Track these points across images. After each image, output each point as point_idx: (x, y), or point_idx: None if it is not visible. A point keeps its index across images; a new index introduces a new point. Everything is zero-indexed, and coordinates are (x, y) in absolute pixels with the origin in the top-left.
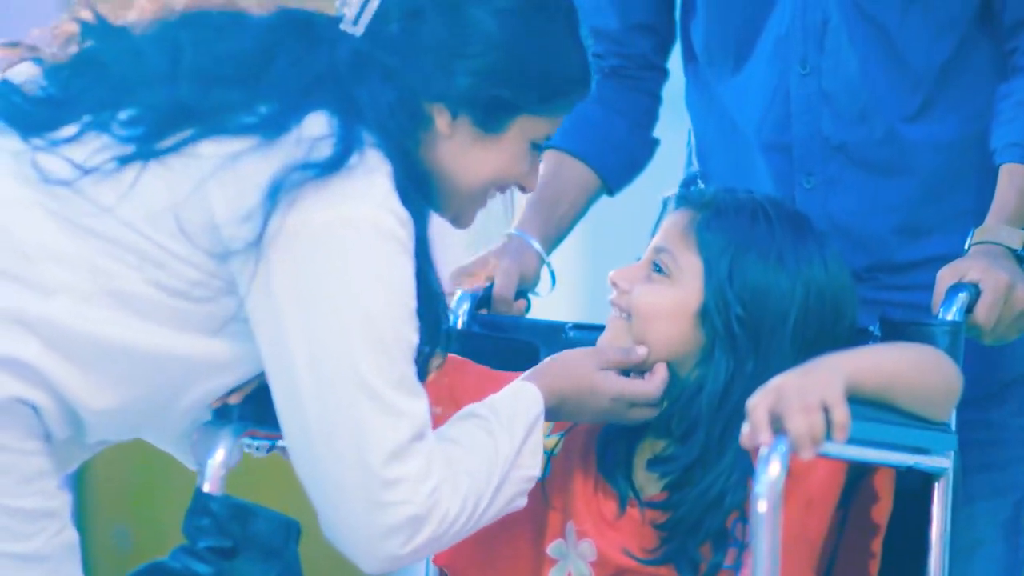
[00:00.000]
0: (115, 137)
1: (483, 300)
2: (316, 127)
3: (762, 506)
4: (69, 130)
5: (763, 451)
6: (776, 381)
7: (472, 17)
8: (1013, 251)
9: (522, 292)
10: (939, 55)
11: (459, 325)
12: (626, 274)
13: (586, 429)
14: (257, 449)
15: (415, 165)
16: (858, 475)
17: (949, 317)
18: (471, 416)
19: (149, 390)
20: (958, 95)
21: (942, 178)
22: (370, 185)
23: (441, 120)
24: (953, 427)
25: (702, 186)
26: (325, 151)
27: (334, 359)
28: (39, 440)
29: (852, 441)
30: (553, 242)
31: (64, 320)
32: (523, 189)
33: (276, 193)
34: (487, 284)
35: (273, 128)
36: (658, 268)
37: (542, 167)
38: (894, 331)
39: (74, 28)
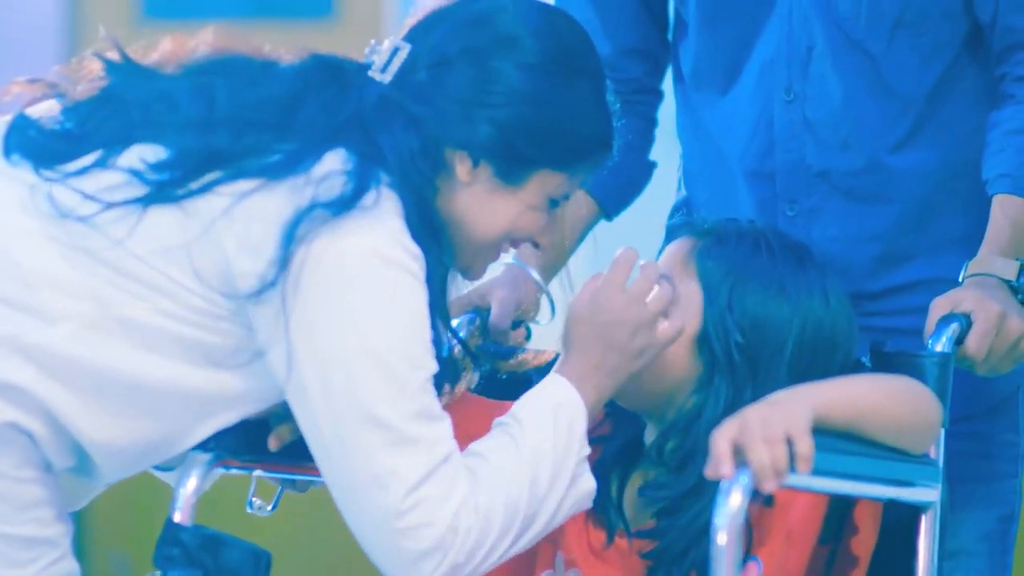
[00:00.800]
0: (140, 177)
1: (480, 330)
2: (331, 163)
3: (721, 538)
4: (82, 163)
5: (724, 483)
6: (741, 412)
7: (497, 69)
8: (1008, 282)
9: (521, 321)
10: (926, 81)
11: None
12: None
13: None
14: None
15: (432, 213)
16: (844, 509)
17: (938, 348)
18: (495, 426)
19: (154, 424)
20: (945, 121)
21: (926, 206)
22: (381, 220)
23: (462, 168)
24: (938, 458)
25: (689, 213)
26: (338, 188)
27: (344, 394)
28: (36, 469)
29: (822, 473)
30: (552, 270)
31: (65, 348)
32: (536, 245)
33: (293, 230)
34: (482, 306)
35: (288, 166)
36: None
37: None
38: (885, 362)
39: (97, 66)
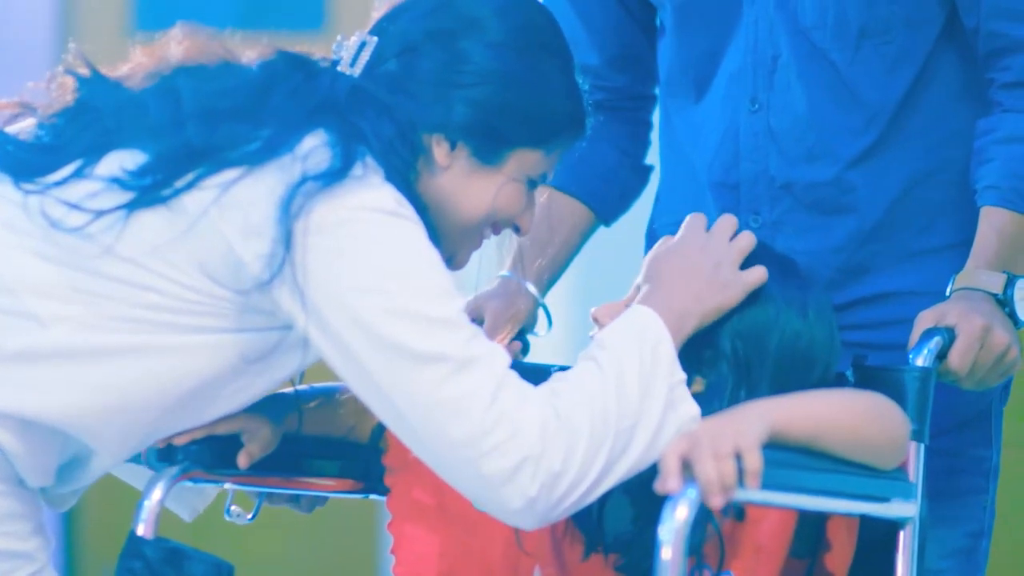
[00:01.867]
0: (123, 184)
1: None
2: (313, 141)
3: (666, 553)
4: (61, 174)
5: (671, 497)
6: (692, 427)
7: (466, 50)
8: (994, 295)
9: (518, 333)
10: (894, 90)
11: None
12: (606, 310)
13: None
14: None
15: (416, 198)
16: (818, 524)
17: (920, 362)
18: (580, 357)
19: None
20: (913, 130)
21: (889, 217)
22: (374, 184)
23: (439, 150)
24: (917, 473)
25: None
26: (325, 160)
27: (390, 347)
28: (6, 483)
29: (777, 488)
30: (548, 281)
31: (63, 344)
32: (517, 230)
33: (288, 206)
34: (475, 318)
35: (270, 150)
36: None
37: None
38: (866, 376)
39: (69, 81)
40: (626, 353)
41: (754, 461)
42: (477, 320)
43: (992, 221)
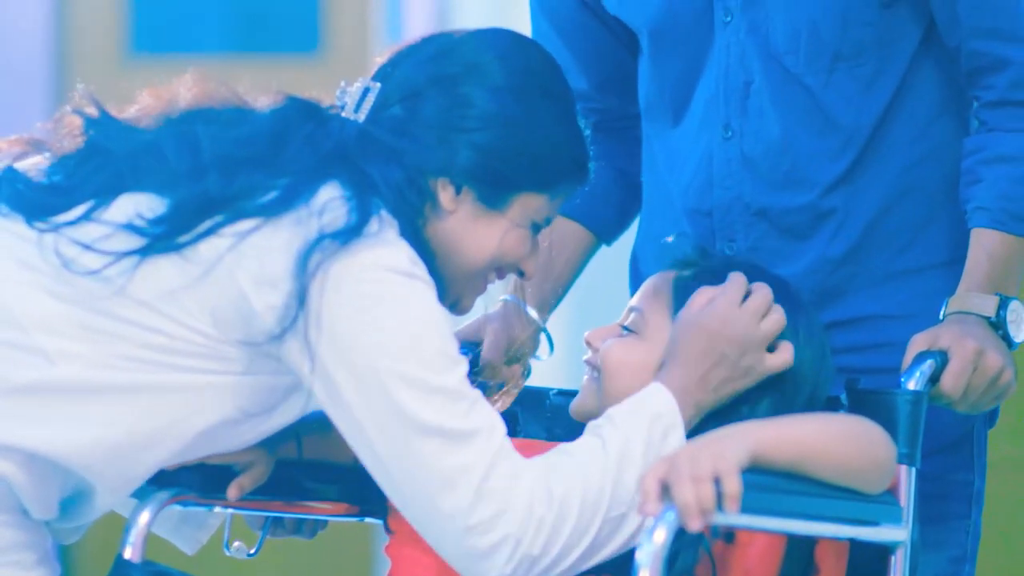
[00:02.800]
0: (139, 231)
1: (472, 366)
2: (328, 194)
3: None
4: (74, 214)
5: (649, 521)
6: (672, 450)
7: (468, 94)
8: (987, 318)
9: (519, 358)
10: (871, 112)
11: None
12: (598, 333)
13: None
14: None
15: (424, 243)
16: (807, 548)
17: (911, 386)
18: (588, 429)
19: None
20: (892, 150)
21: (867, 239)
22: (390, 241)
23: (445, 194)
24: (909, 497)
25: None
26: (342, 217)
27: (391, 412)
28: (11, 512)
29: (758, 512)
30: (549, 305)
31: (70, 382)
32: (522, 274)
33: (306, 261)
34: (475, 340)
35: (287, 201)
36: (626, 327)
37: None
38: (859, 399)
39: (77, 121)
40: (634, 437)
41: (733, 484)
42: (477, 342)
43: (983, 243)
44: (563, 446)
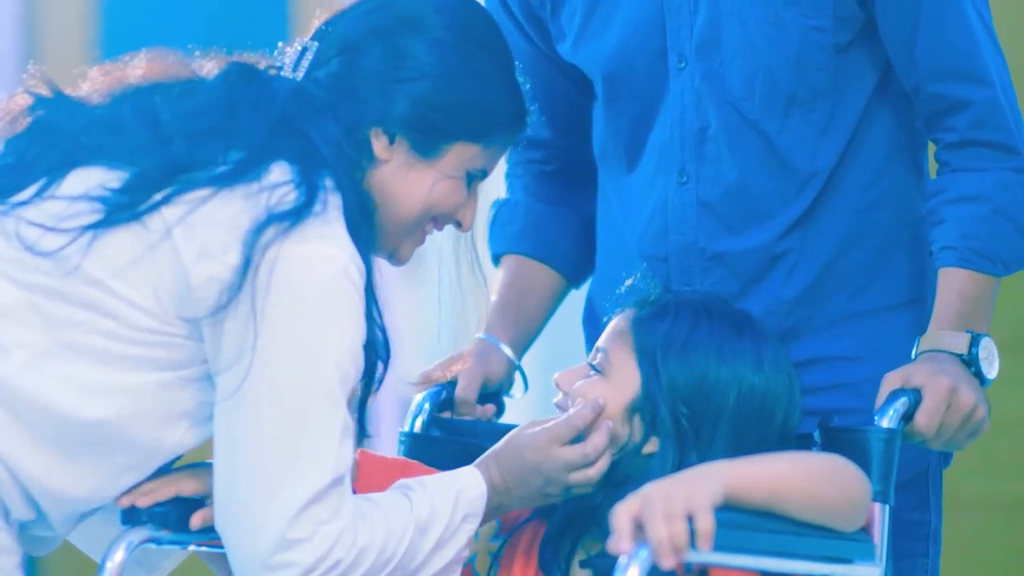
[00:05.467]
0: (104, 201)
1: (446, 403)
2: (278, 175)
3: None
4: (28, 193)
5: (622, 559)
6: (645, 488)
7: (406, 46)
8: (959, 356)
9: (494, 395)
10: (827, 156)
11: (417, 428)
12: (568, 376)
13: (531, 530)
14: None
15: (365, 198)
16: None
17: (885, 423)
18: (398, 485)
19: (101, 464)
20: (848, 193)
21: (822, 281)
22: (334, 228)
23: (378, 144)
24: (882, 534)
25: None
26: (290, 198)
27: (289, 394)
28: None
29: (731, 550)
30: (523, 344)
31: (17, 380)
32: (459, 225)
33: (255, 239)
34: (447, 379)
35: (238, 175)
36: (593, 367)
37: (502, 273)
38: (832, 437)
39: (27, 101)
40: (439, 511)
41: (706, 522)
42: (452, 380)
43: (951, 282)
44: (374, 496)
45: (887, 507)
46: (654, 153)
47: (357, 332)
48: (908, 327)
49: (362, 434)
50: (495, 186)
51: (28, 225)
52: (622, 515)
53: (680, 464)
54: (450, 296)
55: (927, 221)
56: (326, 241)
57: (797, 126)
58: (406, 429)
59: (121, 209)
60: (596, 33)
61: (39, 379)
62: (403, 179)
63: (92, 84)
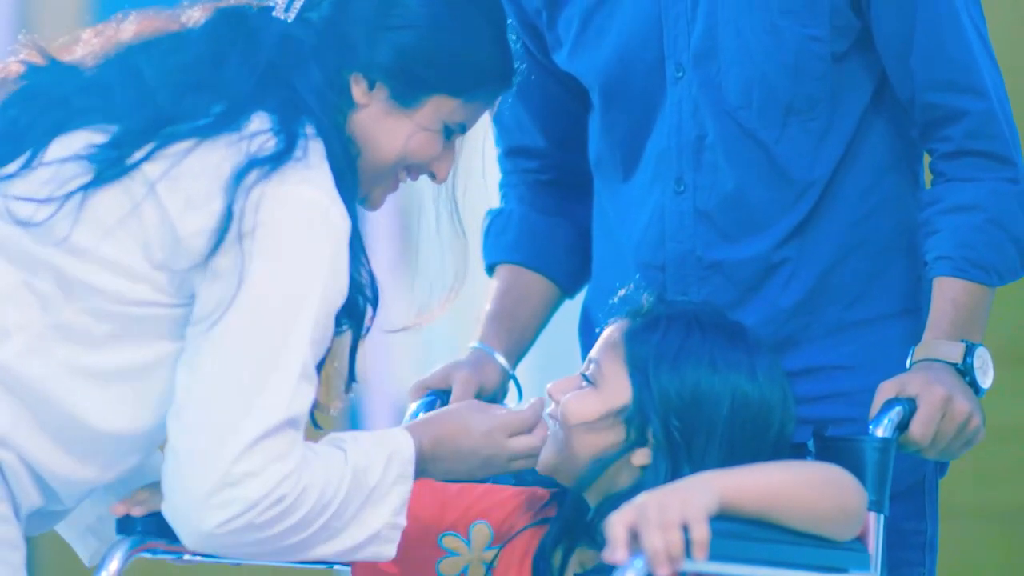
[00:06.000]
0: (91, 159)
1: None
2: (258, 124)
3: None
4: (14, 166)
5: (618, 568)
6: (640, 498)
7: None
8: (954, 365)
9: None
10: (824, 165)
11: None
12: (559, 386)
13: (525, 541)
14: None
15: (347, 143)
16: None
17: (880, 433)
18: (330, 439)
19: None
20: (844, 202)
21: (820, 290)
22: (319, 175)
23: (358, 89)
24: (877, 543)
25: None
26: (271, 145)
27: (255, 331)
28: (8, 506)
29: (726, 559)
30: (517, 353)
31: (17, 365)
32: (434, 177)
33: (237, 183)
34: (444, 388)
35: (220, 126)
36: (586, 378)
37: (496, 282)
38: (826, 446)
39: (19, 69)
40: (373, 467)
41: (701, 532)
42: (445, 390)
43: (946, 292)
44: (310, 444)
45: (882, 516)
46: (651, 162)
47: (334, 279)
48: (904, 337)
49: (351, 379)
50: (489, 195)
51: (16, 200)
52: (617, 525)
53: (673, 477)
54: (429, 245)
55: (921, 231)
56: (307, 184)
57: (794, 135)
58: None
59: (109, 165)
60: (593, 42)
61: (39, 367)
62: (379, 126)
63: (85, 47)
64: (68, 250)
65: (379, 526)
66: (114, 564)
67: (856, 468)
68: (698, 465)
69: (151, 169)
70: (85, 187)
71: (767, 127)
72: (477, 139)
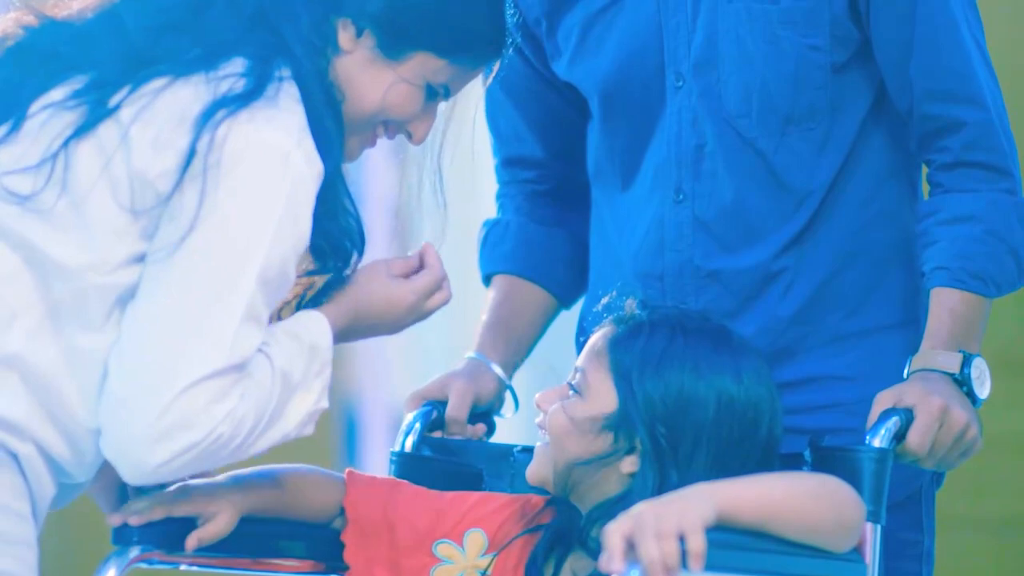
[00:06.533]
0: (77, 95)
1: (437, 422)
2: (232, 67)
3: None
4: (4, 129)
5: None
6: (637, 507)
7: None
8: (951, 375)
9: (484, 415)
10: (823, 175)
11: (408, 448)
12: (547, 396)
13: (519, 548)
14: None
15: (330, 88)
16: None
17: (877, 443)
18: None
19: None
20: (843, 212)
21: (817, 300)
22: (288, 117)
23: (345, 35)
24: (874, 554)
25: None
26: (240, 85)
27: (214, 268)
28: (26, 502)
29: (721, 569)
30: (513, 363)
31: (23, 351)
32: (410, 137)
33: (204, 121)
34: (440, 398)
35: (194, 66)
36: (572, 387)
37: (492, 292)
38: (823, 456)
39: (13, 29)
40: (295, 364)
41: (697, 542)
42: (441, 400)
43: (943, 302)
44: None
45: (879, 527)
46: (650, 171)
47: (291, 223)
48: (903, 348)
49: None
50: (487, 206)
51: (7, 175)
52: (614, 535)
53: (660, 483)
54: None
55: (919, 242)
56: (271, 125)
57: (794, 145)
58: (397, 449)
59: (90, 110)
60: (593, 51)
61: (45, 352)
62: (362, 74)
63: (81, 1)
64: (62, 225)
65: (302, 417)
66: (110, 574)
67: (853, 478)
68: (686, 470)
69: (126, 113)
70: (67, 141)
71: (766, 136)
72: (468, 110)
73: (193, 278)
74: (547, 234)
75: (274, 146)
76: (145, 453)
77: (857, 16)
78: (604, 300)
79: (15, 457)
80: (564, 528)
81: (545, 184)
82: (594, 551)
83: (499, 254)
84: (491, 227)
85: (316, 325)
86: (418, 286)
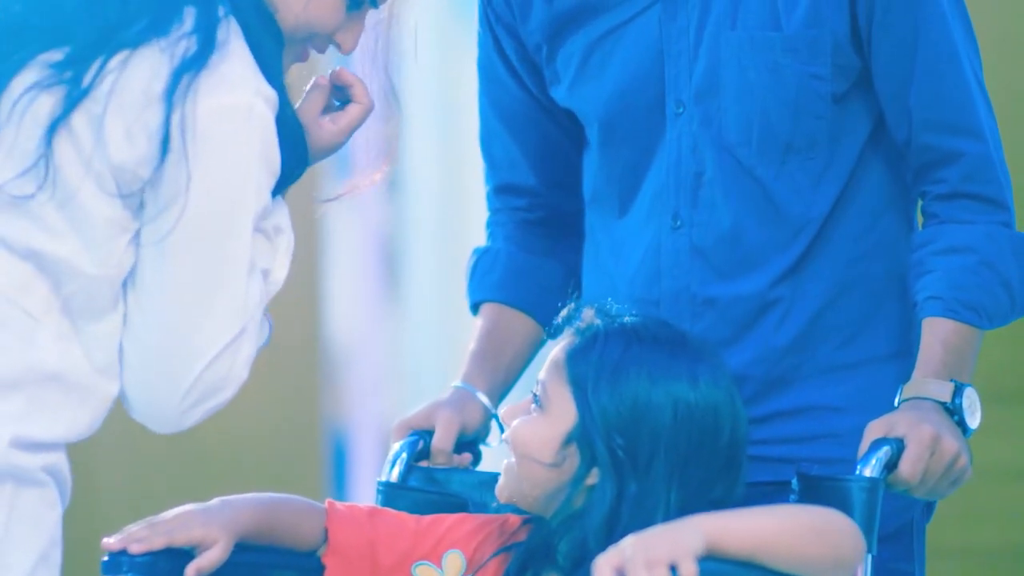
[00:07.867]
0: (55, 69)
1: (423, 452)
2: (182, 28)
3: None
4: None
5: None
6: (626, 539)
7: None
8: (943, 404)
9: (470, 444)
10: (821, 205)
11: (394, 478)
12: (512, 410)
13: (496, 567)
14: None
15: (261, 8)
16: None
17: (867, 473)
18: None
19: None
20: (839, 242)
21: (812, 330)
22: (238, 65)
23: None
24: None
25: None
26: (193, 46)
27: (209, 241)
28: (59, 509)
29: None
30: (500, 393)
31: (50, 358)
32: (340, 47)
33: (170, 106)
34: (427, 427)
35: (148, 31)
36: (536, 400)
37: (480, 321)
38: (811, 486)
39: None
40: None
41: (689, 570)
42: (427, 430)
43: (936, 332)
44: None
45: (870, 557)
46: (648, 197)
47: (267, 165)
48: (896, 379)
49: None
50: (477, 233)
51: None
52: (604, 567)
53: (620, 494)
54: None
55: (913, 272)
56: (228, 87)
57: (793, 174)
58: (383, 479)
59: (69, 89)
60: (593, 77)
61: (71, 355)
62: None
63: None
64: (56, 228)
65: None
66: None
67: (844, 508)
68: (644, 479)
69: (98, 96)
70: (48, 139)
71: (766, 165)
72: (408, 18)
73: (192, 256)
74: (537, 264)
75: (238, 106)
76: (177, 422)
77: (859, 44)
78: (563, 312)
79: (52, 470)
80: (537, 545)
81: (537, 212)
82: (563, 567)
83: (488, 282)
84: (481, 255)
85: (278, 211)
86: (345, 127)
